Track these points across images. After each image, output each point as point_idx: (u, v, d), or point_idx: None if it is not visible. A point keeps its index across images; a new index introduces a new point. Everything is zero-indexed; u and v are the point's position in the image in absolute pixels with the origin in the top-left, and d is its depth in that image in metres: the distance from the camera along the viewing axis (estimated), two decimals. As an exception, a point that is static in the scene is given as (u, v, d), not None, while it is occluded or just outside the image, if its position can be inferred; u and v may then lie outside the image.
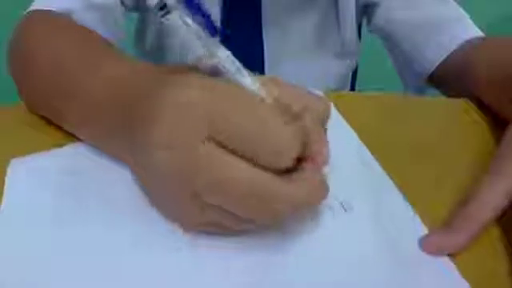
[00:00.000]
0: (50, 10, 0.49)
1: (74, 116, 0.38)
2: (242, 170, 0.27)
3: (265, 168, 0.27)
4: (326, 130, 0.31)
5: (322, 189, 0.29)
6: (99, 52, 0.40)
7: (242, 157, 0.27)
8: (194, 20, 0.29)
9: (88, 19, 0.51)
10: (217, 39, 0.30)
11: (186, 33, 0.29)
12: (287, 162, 0.28)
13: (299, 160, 0.29)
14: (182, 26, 0.29)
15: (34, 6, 0.50)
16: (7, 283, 0.29)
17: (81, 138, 0.39)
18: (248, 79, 0.30)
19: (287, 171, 0.28)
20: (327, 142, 0.30)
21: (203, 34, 0.29)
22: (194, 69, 0.31)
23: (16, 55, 0.45)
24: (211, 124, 0.27)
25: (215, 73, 0.30)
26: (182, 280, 0.30)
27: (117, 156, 0.36)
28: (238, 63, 0.30)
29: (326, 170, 0.30)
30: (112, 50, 0.40)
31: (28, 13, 0.49)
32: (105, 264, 0.31)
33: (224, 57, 0.30)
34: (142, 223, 0.33)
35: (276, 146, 0.27)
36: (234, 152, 0.27)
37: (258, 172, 0.27)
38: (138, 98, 0.32)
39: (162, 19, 0.29)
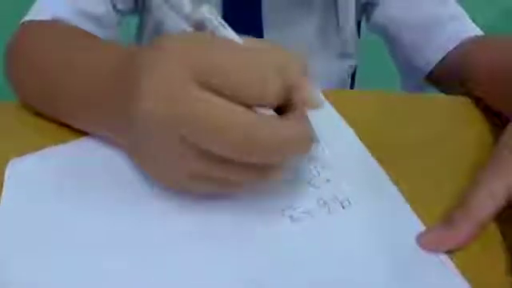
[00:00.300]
0: (44, 21, 0.50)
1: (66, 110, 0.39)
2: (228, 110, 0.27)
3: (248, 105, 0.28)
4: (308, 79, 0.31)
5: (308, 133, 0.30)
6: (88, 48, 0.40)
7: (226, 96, 0.28)
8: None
9: (83, 28, 0.51)
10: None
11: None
12: (272, 100, 0.28)
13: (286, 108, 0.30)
14: None
15: (29, 17, 0.51)
16: (7, 283, 0.30)
17: (77, 127, 0.39)
18: (231, 32, 0.31)
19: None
20: (315, 90, 0.30)
21: None
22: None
23: (15, 65, 0.46)
24: (194, 67, 0.28)
25: (200, 28, 0.31)
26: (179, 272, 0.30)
27: (114, 137, 0.36)
28: (219, 18, 0.31)
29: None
30: (111, 47, 0.40)
31: (23, 24, 0.50)
32: (106, 261, 0.31)
33: (207, 11, 0.30)
34: (143, 220, 0.33)
35: (263, 87, 0.28)
36: (218, 93, 0.28)
37: (244, 111, 0.28)
38: (123, 71, 0.33)
39: None
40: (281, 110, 0.30)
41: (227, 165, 0.29)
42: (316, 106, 0.30)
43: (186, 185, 0.32)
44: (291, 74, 0.29)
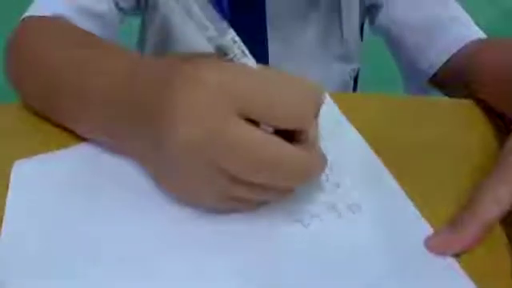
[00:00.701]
0: (45, 16, 0.49)
1: (79, 116, 0.38)
2: (264, 139, 0.29)
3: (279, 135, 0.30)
4: (318, 116, 0.33)
5: (323, 157, 0.32)
6: (99, 51, 0.40)
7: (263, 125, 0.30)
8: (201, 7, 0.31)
9: (83, 26, 0.51)
10: (224, 22, 0.31)
11: (197, 12, 0.31)
12: (310, 123, 0.31)
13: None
14: (193, 7, 0.30)
15: (29, 13, 0.50)
16: (7, 284, 0.30)
17: (86, 136, 0.39)
18: (251, 61, 0.32)
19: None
20: (318, 130, 0.33)
21: (212, 16, 0.31)
22: (200, 55, 0.32)
23: (15, 61, 0.46)
24: (236, 100, 0.29)
25: (221, 53, 0.31)
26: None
27: (131, 153, 0.36)
28: (243, 46, 0.31)
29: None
30: (112, 47, 0.40)
31: (23, 19, 0.50)
32: (108, 263, 0.31)
33: (231, 38, 0.31)
34: (149, 221, 0.33)
35: (300, 111, 0.30)
36: (258, 124, 0.29)
37: (271, 137, 0.30)
38: (151, 92, 0.32)
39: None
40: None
41: (257, 189, 0.31)
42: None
43: (213, 206, 0.33)
44: (319, 104, 0.32)
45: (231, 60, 0.31)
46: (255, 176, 0.30)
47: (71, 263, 0.31)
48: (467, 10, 0.59)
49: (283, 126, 0.30)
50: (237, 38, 0.31)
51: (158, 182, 0.35)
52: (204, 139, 0.29)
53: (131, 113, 0.34)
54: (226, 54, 0.31)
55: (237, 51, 0.31)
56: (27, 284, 0.30)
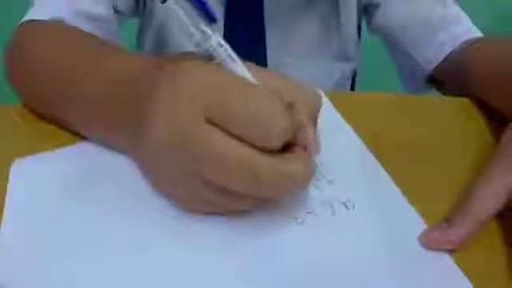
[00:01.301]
0: (43, 20, 0.50)
1: (76, 116, 0.39)
2: (233, 147, 0.28)
3: (256, 147, 0.29)
4: (316, 122, 0.33)
5: (310, 168, 0.30)
6: (97, 52, 0.41)
7: (233, 136, 0.29)
8: (192, 6, 0.31)
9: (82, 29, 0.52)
10: (211, 26, 0.31)
11: (183, 19, 0.31)
12: (277, 143, 0.29)
13: (288, 146, 0.30)
14: (179, 10, 0.31)
15: (28, 17, 0.51)
16: (7, 283, 0.30)
17: (84, 135, 0.40)
18: (239, 66, 0.31)
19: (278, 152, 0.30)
20: (317, 134, 0.31)
21: (197, 21, 0.31)
22: (189, 56, 0.32)
23: (15, 63, 0.46)
24: (205, 105, 0.29)
25: (209, 57, 0.31)
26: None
27: (121, 147, 0.37)
28: (229, 50, 0.31)
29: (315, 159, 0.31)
30: (109, 48, 0.41)
31: (22, 23, 0.50)
32: (107, 263, 0.31)
33: (215, 43, 0.31)
34: (146, 219, 0.33)
35: (269, 129, 0.29)
36: (227, 132, 0.29)
37: (248, 149, 0.29)
38: (137, 91, 0.33)
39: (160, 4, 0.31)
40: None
41: (234, 196, 0.30)
42: (316, 151, 0.31)
43: (193, 207, 0.33)
44: (300, 115, 0.30)
45: (219, 64, 0.31)
46: (223, 182, 0.29)
47: (71, 260, 0.31)
48: (465, 12, 0.59)
49: (245, 137, 0.29)
50: (223, 42, 0.31)
51: (147, 178, 0.36)
52: (174, 141, 0.30)
53: (118, 111, 0.35)
54: (213, 59, 0.31)
55: (224, 56, 0.31)
56: (27, 283, 0.30)
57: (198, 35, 0.31)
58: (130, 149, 0.36)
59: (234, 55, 0.31)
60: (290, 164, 0.29)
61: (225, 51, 0.31)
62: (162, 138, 0.30)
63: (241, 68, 0.31)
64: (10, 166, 0.37)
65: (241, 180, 0.29)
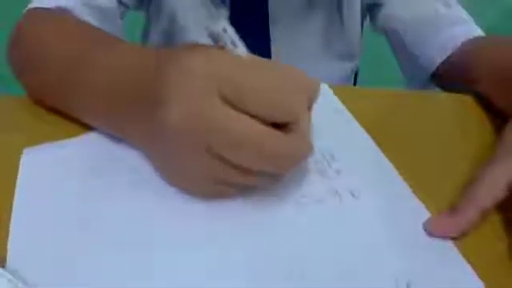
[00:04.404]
0: (49, 8, 0.50)
1: (79, 105, 0.40)
2: (246, 123, 0.30)
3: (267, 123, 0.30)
4: (311, 108, 0.34)
5: (310, 143, 0.33)
6: (101, 41, 0.41)
7: (247, 113, 0.30)
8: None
9: (84, 19, 0.52)
10: (218, 12, 0.31)
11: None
12: (295, 117, 0.31)
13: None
14: None
15: (33, 5, 0.51)
16: (15, 271, 0.30)
17: (87, 122, 0.40)
18: (242, 50, 0.32)
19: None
20: (311, 120, 0.34)
21: (208, 4, 0.31)
22: (193, 45, 0.33)
23: (19, 53, 0.46)
24: (221, 87, 0.30)
25: (215, 40, 0.32)
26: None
27: (128, 137, 0.38)
28: (233, 37, 0.32)
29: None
30: (113, 38, 0.42)
31: (27, 11, 0.50)
32: (117, 249, 0.32)
33: (221, 27, 0.32)
34: (160, 212, 0.34)
35: (286, 102, 0.31)
36: (241, 109, 0.30)
37: (260, 125, 0.30)
38: (143, 76, 0.34)
39: None
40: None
41: (245, 171, 0.31)
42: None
43: (209, 190, 0.34)
44: (313, 97, 0.33)
45: (222, 48, 0.32)
46: (238, 157, 0.31)
47: (81, 249, 0.31)
48: (467, 10, 0.59)
49: (267, 117, 0.30)
50: (228, 28, 0.32)
51: (154, 166, 0.36)
52: (190, 120, 0.31)
53: (129, 98, 0.35)
54: (217, 42, 0.32)
55: (227, 41, 0.32)
56: (40, 271, 0.30)
57: (207, 16, 0.32)
58: (140, 137, 0.36)
59: (238, 41, 0.32)
60: (297, 140, 0.31)
61: (229, 37, 0.32)
62: (176, 119, 0.31)
63: (242, 52, 0.32)
64: (20, 156, 0.38)
65: (253, 154, 0.30)
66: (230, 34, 0.32)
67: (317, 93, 0.33)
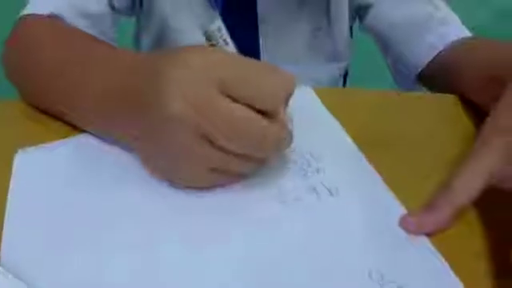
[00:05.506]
0: (42, 15, 0.51)
1: (75, 110, 0.40)
2: (244, 112, 0.32)
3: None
4: (288, 103, 0.35)
5: (290, 132, 0.35)
6: (95, 49, 0.42)
7: (244, 103, 0.32)
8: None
9: (77, 25, 0.53)
10: (214, 12, 0.33)
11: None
12: (280, 104, 0.34)
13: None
14: None
15: (26, 11, 0.51)
16: (11, 267, 0.31)
17: (80, 127, 0.41)
18: (232, 48, 0.35)
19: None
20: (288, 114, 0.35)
21: (204, 4, 0.34)
22: (188, 45, 0.35)
23: (13, 59, 0.47)
24: (219, 77, 0.32)
25: (208, 38, 0.35)
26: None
27: (121, 139, 0.38)
28: (225, 36, 0.35)
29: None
30: (107, 45, 0.42)
31: (20, 18, 0.51)
32: (111, 251, 0.32)
33: (215, 28, 0.34)
34: (151, 210, 0.35)
35: (273, 90, 0.33)
36: (237, 100, 0.32)
37: (256, 114, 0.32)
38: (140, 82, 0.35)
39: None
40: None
41: (240, 158, 0.34)
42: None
43: (203, 178, 0.35)
44: (290, 91, 0.35)
45: (214, 46, 0.34)
46: (230, 143, 0.32)
47: (75, 249, 0.32)
48: (458, 11, 0.60)
49: (257, 104, 0.32)
50: (222, 28, 0.34)
51: (145, 163, 0.37)
52: (187, 112, 0.32)
53: (121, 102, 0.36)
54: (210, 40, 0.34)
55: (220, 40, 0.33)
56: (34, 270, 0.31)
57: (203, 16, 0.34)
58: (132, 139, 0.37)
59: (229, 40, 0.34)
60: (281, 125, 0.34)
61: (221, 36, 0.34)
62: (178, 107, 0.32)
63: (232, 50, 0.35)
64: (12, 157, 0.39)
65: (250, 142, 0.33)
66: (223, 33, 0.34)
67: (293, 87, 0.34)
